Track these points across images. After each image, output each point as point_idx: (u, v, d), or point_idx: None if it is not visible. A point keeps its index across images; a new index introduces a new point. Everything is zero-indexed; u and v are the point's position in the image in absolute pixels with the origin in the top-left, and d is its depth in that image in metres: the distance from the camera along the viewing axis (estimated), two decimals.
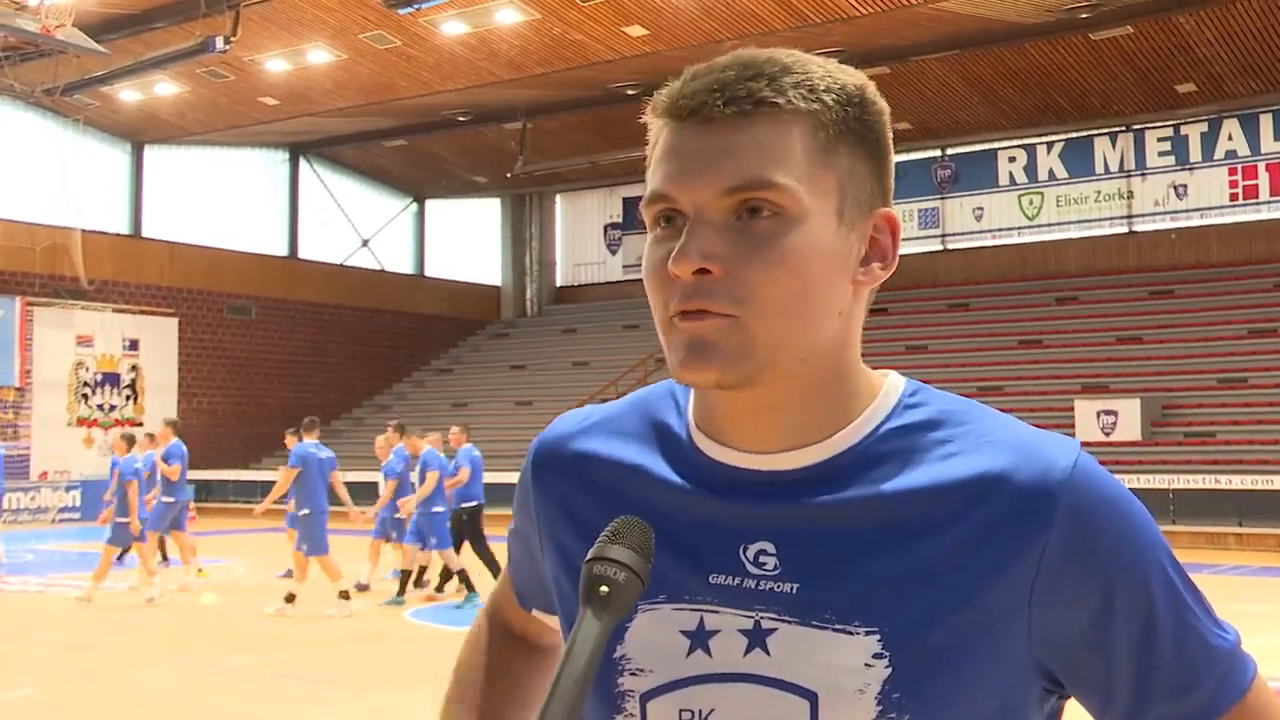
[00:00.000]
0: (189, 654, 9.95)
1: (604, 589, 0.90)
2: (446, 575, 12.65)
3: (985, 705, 0.98)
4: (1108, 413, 21.43)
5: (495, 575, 12.51)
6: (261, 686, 8.66)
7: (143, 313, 28.35)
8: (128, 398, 28.02)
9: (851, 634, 0.96)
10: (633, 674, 1.01)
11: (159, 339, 28.52)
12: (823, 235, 0.97)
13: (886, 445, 1.01)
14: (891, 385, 1.05)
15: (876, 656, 0.96)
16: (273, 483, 27.52)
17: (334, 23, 22.01)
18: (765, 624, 0.99)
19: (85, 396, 27.26)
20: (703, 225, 0.96)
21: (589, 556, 0.92)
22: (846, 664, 0.96)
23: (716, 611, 1.00)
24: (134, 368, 28.18)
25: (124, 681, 8.83)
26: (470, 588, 12.13)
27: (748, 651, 0.99)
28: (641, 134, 1.05)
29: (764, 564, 1.00)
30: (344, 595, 11.48)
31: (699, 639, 1.00)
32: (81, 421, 26.11)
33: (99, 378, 27.56)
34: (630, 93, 24.84)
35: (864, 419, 1.02)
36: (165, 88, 25.38)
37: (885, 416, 1.03)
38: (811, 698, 0.96)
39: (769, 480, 1.01)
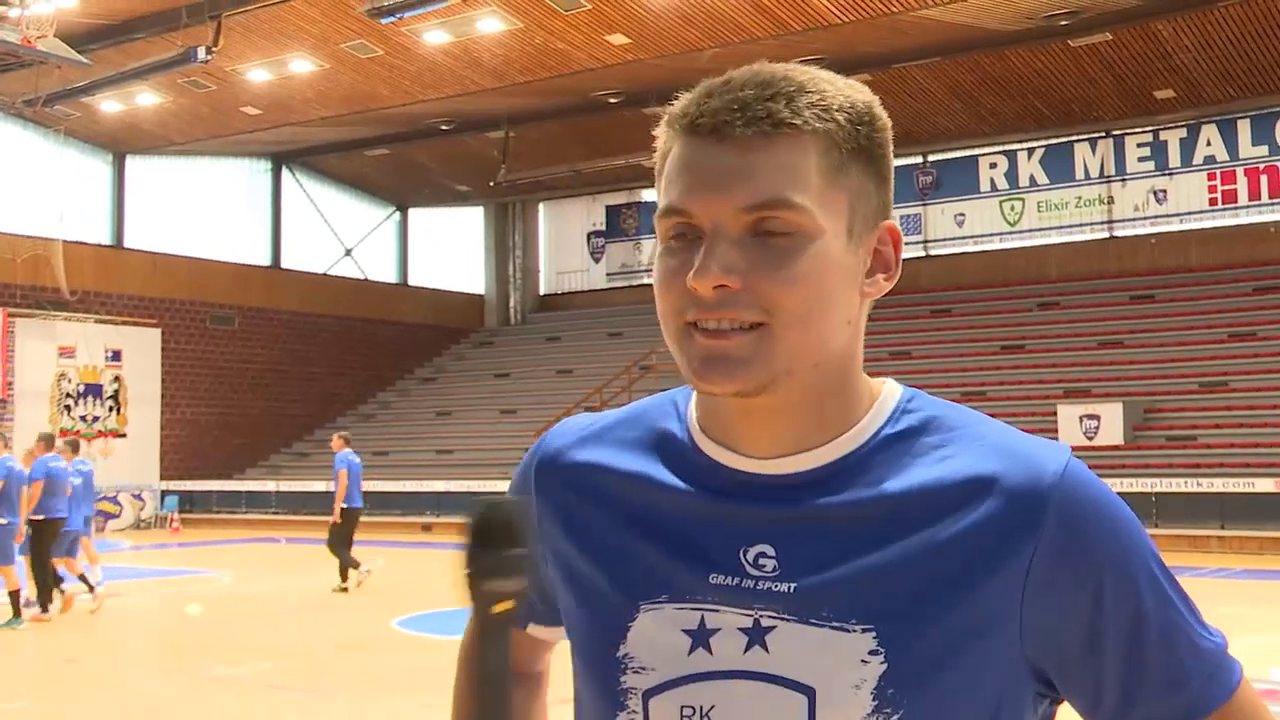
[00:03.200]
0: (178, 665, 9.94)
1: (501, 608, 0.95)
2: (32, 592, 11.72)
3: (979, 704, 0.99)
4: (1090, 417, 21.53)
5: (45, 596, 11.56)
6: (251, 697, 8.65)
7: (125, 323, 28.25)
8: (110, 409, 27.91)
9: (848, 631, 0.98)
10: (635, 672, 1.03)
11: (142, 350, 28.40)
12: (834, 252, 1.00)
13: (884, 450, 1.04)
14: (889, 392, 1.08)
15: (872, 653, 0.98)
16: (255, 493, 27.60)
17: (316, 32, 22.00)
18: (764, 622, 1.01)
19: (68, 408, 27.16)
20: (721, 241, 0.98)
21: (471, 580, 0.95)
22: (843, 660, 0.98)
23: (717, 610, 1.02)
24: (117, 379, 28.07)
25: (114, 693, 8.82)
26: (16, 611, 11.27)
27: (748, 649, 1.01)
28: (624, 142, 1.09)
29: (763, 565, 1.02)
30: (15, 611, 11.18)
31: (700, 637, 1.02)
32: (64, 433, 25.92)
33: (81, 389, 27.45)
34: (613, 101, 24.83)
35: (863, 425, 1.05)
36: (147, 98, 25.33)
37: (884, 423, 1.06)
38: (809, 693, 0.98)
39: (770, 483, 1.04)
